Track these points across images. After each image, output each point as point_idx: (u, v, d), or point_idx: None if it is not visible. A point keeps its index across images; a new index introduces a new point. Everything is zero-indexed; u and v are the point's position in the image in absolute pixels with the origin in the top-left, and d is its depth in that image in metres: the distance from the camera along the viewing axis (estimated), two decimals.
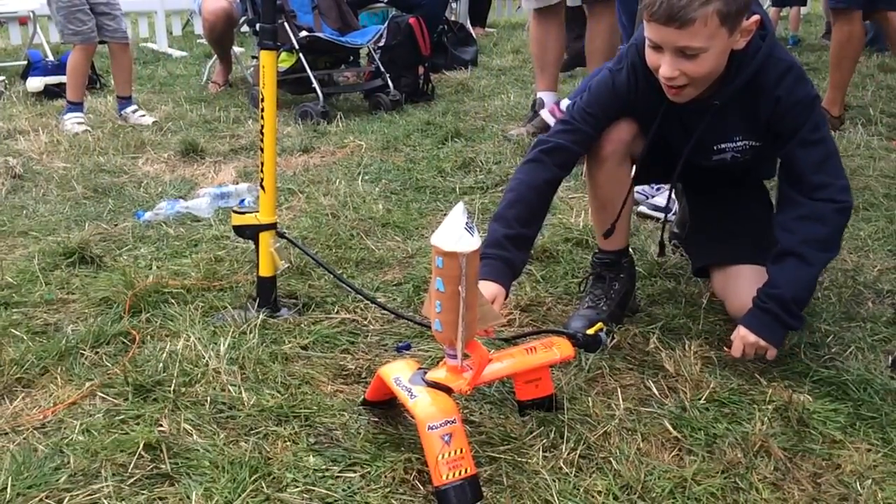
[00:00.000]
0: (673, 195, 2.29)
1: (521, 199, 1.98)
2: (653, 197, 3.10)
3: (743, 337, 1.91)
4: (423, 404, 1.51)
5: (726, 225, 2.19)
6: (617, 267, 2.19)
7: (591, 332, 1.81)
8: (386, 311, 2.20)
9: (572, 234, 2.78)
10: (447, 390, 1.55)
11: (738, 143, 2.01)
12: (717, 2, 1.70)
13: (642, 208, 3.03)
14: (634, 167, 2.17)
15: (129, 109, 4.54)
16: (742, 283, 2.04)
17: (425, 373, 1.60)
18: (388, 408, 1.75)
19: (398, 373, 1.61)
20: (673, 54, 1.78)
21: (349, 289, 2.29)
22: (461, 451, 1.47)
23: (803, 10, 8.73)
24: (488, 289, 1.81)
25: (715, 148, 2.03)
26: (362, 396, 1.82)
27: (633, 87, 1.98)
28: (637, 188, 3.12)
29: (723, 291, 2.14)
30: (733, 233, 2.16)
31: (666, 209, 2.96)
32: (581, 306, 2.20)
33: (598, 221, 2.20)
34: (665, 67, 1.81)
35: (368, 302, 2.25)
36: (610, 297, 2.16)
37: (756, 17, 1.81)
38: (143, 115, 4.52)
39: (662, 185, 3.17)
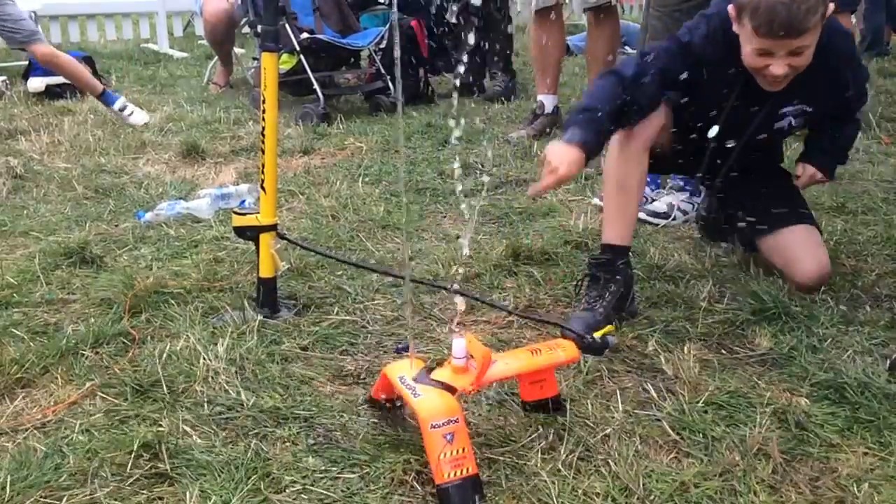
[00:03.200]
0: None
1: (595, 101, 2.11)
2: (651, 202, 3.10)
3: (805, 168, 2.36)
4: (426, 403, 1.52)
5: (765, 197, 2.43)
6: (612, 268, 2.20)
7: (598, 335, 1.81)
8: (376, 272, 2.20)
9: (571, 236, 2.79)
10: (451, 390, 1.55)
11: (797, 107, 2.24)
12: (821, 7, 1.95)
13: (640, 214, 3.02)
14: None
15: (116, 107, 4.46)
16: (797, 241, 2.34)
17: (430, 372, 1.60)
18: (391, 407, 1.75)
19: (403, 371, 1.62)
20: (785, 56, 2.00)
21: (352, 265, 2.30)
22: (463, 451, 1.47)
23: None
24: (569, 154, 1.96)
25: (779, 112, 2.24)
26: (362, 397, 1.83)
27: (708, 52, 2.14)
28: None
29: (780, 255, 2.38)
30: (773, 201, 2.41)
31: (665, 215, 2.97)
32: (577, 308, 2.21)
33: (614, 209, 2.24)
34: (777, 68, 2.02)
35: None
36: (605, 298, 2.16)
37: (831, 5, 2.01)
38: (132, 114, 4.47)
39: (661, 190, 3.18)
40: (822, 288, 2.35)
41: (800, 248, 2.35)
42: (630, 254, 2.29)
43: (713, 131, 2.20)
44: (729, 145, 2.29)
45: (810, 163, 2.41)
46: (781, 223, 2.38)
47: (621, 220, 2.23)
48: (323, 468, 1.59)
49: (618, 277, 2.19)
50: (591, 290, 2.20)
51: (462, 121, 4.55)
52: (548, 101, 4.26)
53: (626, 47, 7.25)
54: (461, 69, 5.42)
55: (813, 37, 1.98)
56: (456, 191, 3.29)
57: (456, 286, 2.11)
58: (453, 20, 5.61)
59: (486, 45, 5.19)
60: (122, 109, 4.46)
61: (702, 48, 2.15)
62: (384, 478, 1.56)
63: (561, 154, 1.97)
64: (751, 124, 2.25)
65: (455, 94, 5.27)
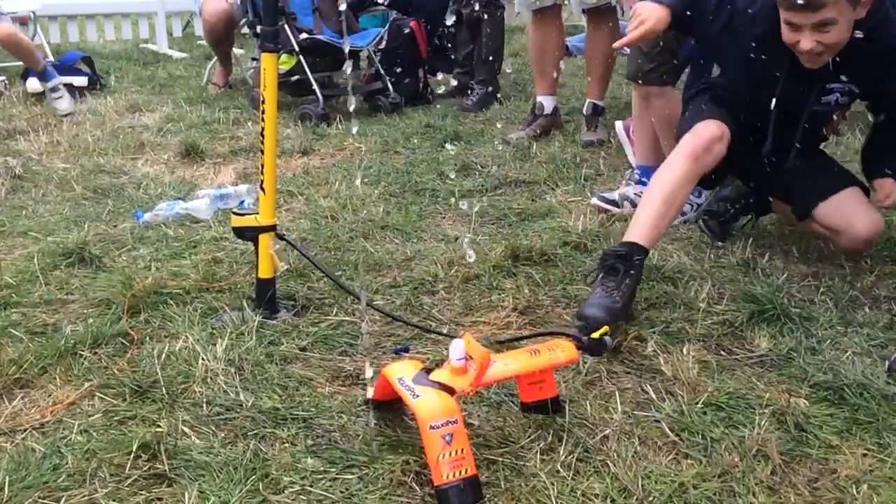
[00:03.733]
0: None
1: None
2: None
3: (883, 185, 2.41)
4: (425, 404, 1.52)
5: (812, 169, 2.54)
6: (630, 262, 2.23)
7: (596, 335, 1.81)
8: (384, 315, 2.20)
9: (570, 237, 2.79)
10: (450, 391, 1.55)
11: (844, 85, 2.33)
12: None
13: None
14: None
15: (49, 85, 4.45)
16: (849, 203, 2.47)
17: (429, 373, 1.60)
18: (391, 408, 1.75)
19: (402, 372, 1.62)
20: (811, 31, 2.11)
21: (344, 291, 2.30)
22: (462, 452, 1.48)
23: None
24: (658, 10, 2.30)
25: (827, 87, 2.34)
26: (361, 397, 1.83)
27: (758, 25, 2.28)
28: (634, 191, 3.16)
29: (835, 217, 2.47)
30: (821, 171, 2.57)
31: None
32: (593, 296, 2.19)
33: (650, 215, 2.32)
34: (805, 43, 2.14)
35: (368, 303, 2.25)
36: (621, 289, 2.18)
37: None
38: (59, 98, 4.46)
39: None
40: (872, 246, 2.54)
41: (853, 209, 2.48)
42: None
43: (772, 104, 2.39)
44: (784, 127, 2.45)
45: (887, 176, 2.44)
46: (832, 189, 2.50)
47: (653, 227, 2.30)
48: (322, 469, 1.59)
49: (632, 272, 2.22)
50: (609, 280, 2.21)
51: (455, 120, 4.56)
52: (547, 102, 4.26)
53: (626, 48, 7.24)
54: (457, 70, 5.43)
55: (838, 13, 2.06)
56: (455, 192, 3.29)
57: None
58: (449, 23, 5.62)
59: (475, 54, 5.20)
60: (53, 90, 4.52)
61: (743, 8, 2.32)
62: (383, 479, 1.56)
63: (650, 9, 2.32)
64: (805, 103, 2.37)
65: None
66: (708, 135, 2.40)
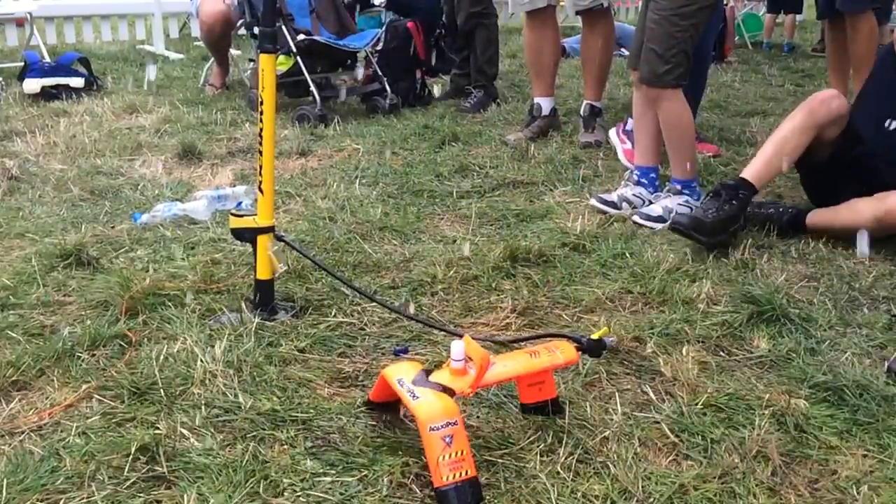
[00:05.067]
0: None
1: None
2: (648, 205, 3.10)
3: None
4: (424, 405, 1.51)
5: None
6: (734, 193, 2.66)
7: (596, 336, 1.81)
8: (388, 310, 2.20)
9: (569, 238, 2.79)
10: (450, 392, 1.55)
11: None
12: None
13: (636, 217, 3.03)
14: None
15: None
16: None
17: (428, 374, 1.60)
18: (390, 410, 1.75)
19: (401, 374, 1.62)
20: None
21: (350, 288, 2.29)
22: (462, 453, 1.47)
23: (798, 17, 8.75)
24: None
25: None
26: (360, 399, 1.82)
27: None
28: (632, 192, 3.16)
29: None
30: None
31: (660, 219, 3.01)
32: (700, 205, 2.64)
33: (765, 155, 2.74)
34: None
35: (367, 304, 2.25)
36: (718, 211, 2.61)
37: None
38: None
39: (659, 194, 3.18)
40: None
41: None
42: (752, 198, 2.73)
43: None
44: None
45: None
46: None
47: (761, 168, 2.72)
48: (321, 471, 1.59)
49: (734, 203, 2.62)
50: (711, 202, 2.66)
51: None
52: (544, 104, 4.26)
53: (622, 49, 7.26)
54: (454, 71, 5.44)
55: None
56: (453, 193, 3.29)
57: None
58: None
59: (471, 61, 5.20)
60: None
61: None
62: (383, 481, 1.56)
63: None
64: None
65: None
66: (827, 94, 2.77)
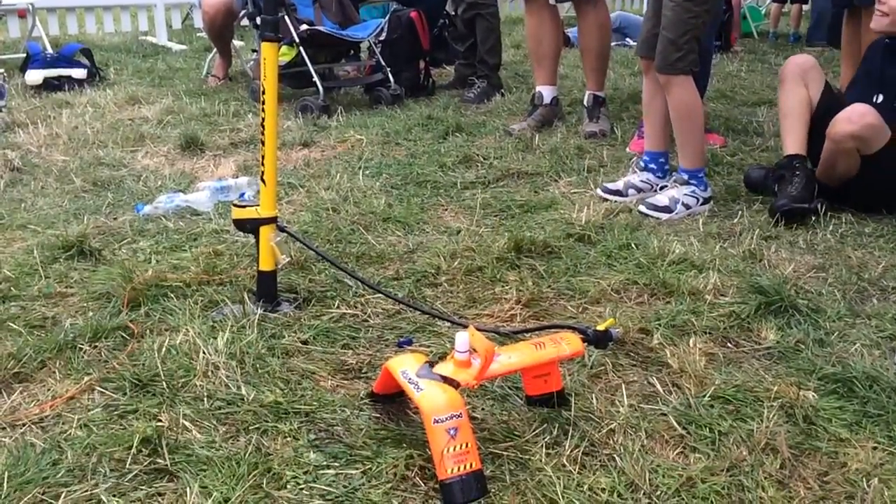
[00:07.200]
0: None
1: None
2: (654, 195, 3.08)
3: None
4: (429, 397, 1.49)
5: None
6: (791, 166, 2.97)
7: (601, 327, 1.79)
8: (393, 301, 2.18)
9: (574, 229, 2.77)
10: (454, 384, 1.53)
11: None
12: None
13: (641, 207, 3.01)
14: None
15: None
16: None
17: (432, 366, 1.58)
18: (393, 402, 1.73)
19: (405, 366, 1.60)
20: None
21: (353, 278, 2.27)
22: (467, 446, 1.45)
23: (805, 7, 8.70)
24: None
25: None
26: (363, 391, 1.81)
27: None
28: (640, 179, 3.14)
29: None
30: None
31: (667, 209, 2.99)
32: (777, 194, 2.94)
33: (783, 129, 3.11)
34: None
35: (370, 296, 2.23)
36: (793, 184, 2.93)
37: None
38: None
39: (665, 183, 3.16)
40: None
41: None
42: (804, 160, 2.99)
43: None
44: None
45: None
46: None
47: (791, 137, 3.03)
48: (324, 464, 1.57)
49: (797, 172, 2.92)
50: (781, 185, 2.94)
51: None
52: (546, 92, 4.22)
53: (628, 39, 7.22)
54: (458, 61, 5.41)
55: None
56: (457, 184, 3.26)
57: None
58: (452, 12, 5.59)
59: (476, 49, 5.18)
60: None
61: None
62: (386, 473, 1.54)
63: None
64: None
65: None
66: (790, 59, 3.17)
